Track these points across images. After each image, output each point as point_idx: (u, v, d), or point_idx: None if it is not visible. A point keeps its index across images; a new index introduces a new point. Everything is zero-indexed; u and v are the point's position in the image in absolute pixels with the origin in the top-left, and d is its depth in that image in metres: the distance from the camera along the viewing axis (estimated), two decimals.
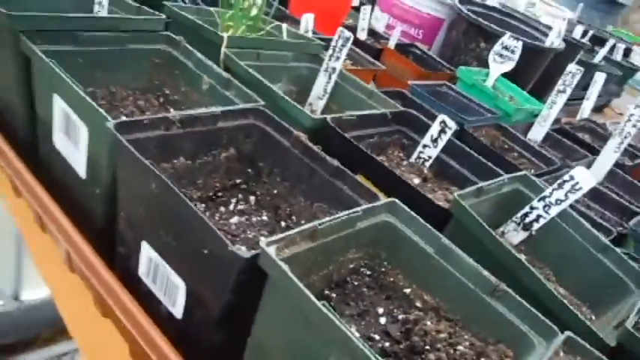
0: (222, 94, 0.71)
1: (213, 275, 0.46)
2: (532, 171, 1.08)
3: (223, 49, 0.80)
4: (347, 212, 0.51)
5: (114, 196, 0.56)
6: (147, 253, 0.53)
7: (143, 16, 0.74)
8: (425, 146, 0.84)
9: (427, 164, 0.84)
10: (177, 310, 0.51)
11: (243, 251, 0.42)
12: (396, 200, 0.57)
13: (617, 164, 1.21)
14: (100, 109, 0.53)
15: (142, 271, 0.54)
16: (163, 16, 0.74)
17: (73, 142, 0.59)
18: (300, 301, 0.40)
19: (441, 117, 0.81)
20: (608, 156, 1.19)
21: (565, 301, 0.53)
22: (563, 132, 1.31)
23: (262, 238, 0.42)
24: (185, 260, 0.49)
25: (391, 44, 1.43)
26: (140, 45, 0.74)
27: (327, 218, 0.49)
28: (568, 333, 0.48)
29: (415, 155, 0.85)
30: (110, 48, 0.70)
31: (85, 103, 0.54)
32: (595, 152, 1.24)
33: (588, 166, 1.20)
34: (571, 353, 0.48)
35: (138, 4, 0.77)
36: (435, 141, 0.82)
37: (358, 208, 0.53)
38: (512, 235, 0.75)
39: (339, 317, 0.39)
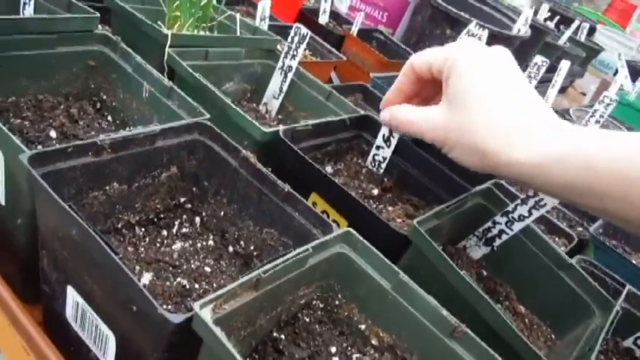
0: (163, 103, 0.65)
1: (144, 332, 0.41)
2: None
3: (167, 49, 0.73)
4: (295, 252, 0.47)
5: (37, 228, 0.50)
6: (73, 297, 0.47)
7: (73, 15, 0.66)
8: (379, 147, 0.79)
9: (383, 166, 0.79)
10: None
11: (174, 316, 0.37)
12: (351, 230, 0.53)
13: None
14: (12, 137, 0.46)
15: (69, 315, 0.49)
16: (97, 14, 0.67)
17: None
18: None
19: None
20: None
21: (528, 342, 0.50)
22: None
23: (196, 303, 0.37)
24: (114, 312, 0.44)
25: (354, 30, 1.36)
26: (72, 47, 0.66)
27: (273, 263, 0.44)
28: None
29: (370, 158, 0.80)
30: (35, 52, 0.63)
31: None
32: None
33: None
34: None
35: None
36: (387, 140, 0.78)
37: (308, 246, 0.48)
38: (474, 250, 0.72)
39: None
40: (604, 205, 0.38)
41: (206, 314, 0.37)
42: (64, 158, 0.48)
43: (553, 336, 0.67)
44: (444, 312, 0.49)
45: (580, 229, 1.00)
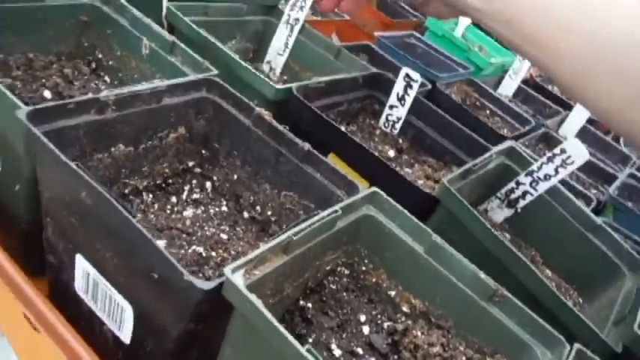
0: (166, 60, 0.60)
1: (166, 302, 0.38)
2: (505, 131, 1.02)
3: (165, 3, 0.68)
4: (324, 214, 0.43)
5: (38, 194, 0.46)
6: (83, 267, 0.43)
7: None
8: (392, 107, 0.75)
9: (397, 126, 0.76)
10: (125, 335, 0.43)
11: (203, 282, 0.34)
12: (378, 191, 0.49)
13: (588, 119, 1.17)
14: (6, 91, 0.41)
15: (79, 286, 0.45)
16: None
17: None
18: (277, 342, 0.32)
19: (404, 70, 0.73)
20: (581, 111, 1.15)
21: (575, 309, 0.47)
22: (534, 85, 1.26)
23: (227, 267, 0.33)
24: (130, 281, 0.40)
25: None
26: (63, 0, 0.61)
27: (302, 226, 0.40)
28: (578, 346, 0.42)
29: (383, 118, 0.76)
30: (22, 4, 0.57)
31: None
32: (567, 107, 1.19)
33: (560, 122, 1.16)
34: None
35: None
36: (401, 99, 0.74)
37: (337, 207, 0.44)
38: (496, 212, 0.69)
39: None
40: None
41: (238, 279, 0.34)
42: (65, 115, 0.43)
43: (581, 300, 0.65)
44: (482, 275, 0.46)
45: (594, 191, 0.97)
